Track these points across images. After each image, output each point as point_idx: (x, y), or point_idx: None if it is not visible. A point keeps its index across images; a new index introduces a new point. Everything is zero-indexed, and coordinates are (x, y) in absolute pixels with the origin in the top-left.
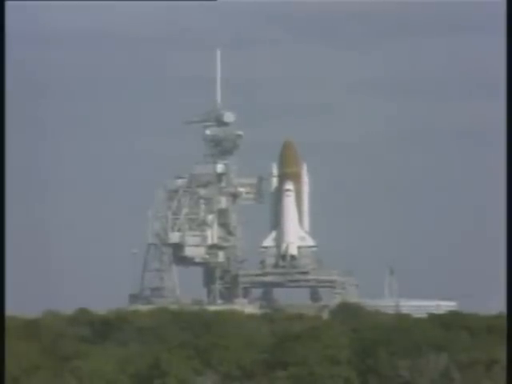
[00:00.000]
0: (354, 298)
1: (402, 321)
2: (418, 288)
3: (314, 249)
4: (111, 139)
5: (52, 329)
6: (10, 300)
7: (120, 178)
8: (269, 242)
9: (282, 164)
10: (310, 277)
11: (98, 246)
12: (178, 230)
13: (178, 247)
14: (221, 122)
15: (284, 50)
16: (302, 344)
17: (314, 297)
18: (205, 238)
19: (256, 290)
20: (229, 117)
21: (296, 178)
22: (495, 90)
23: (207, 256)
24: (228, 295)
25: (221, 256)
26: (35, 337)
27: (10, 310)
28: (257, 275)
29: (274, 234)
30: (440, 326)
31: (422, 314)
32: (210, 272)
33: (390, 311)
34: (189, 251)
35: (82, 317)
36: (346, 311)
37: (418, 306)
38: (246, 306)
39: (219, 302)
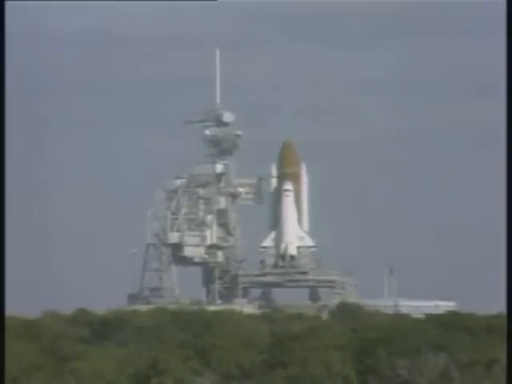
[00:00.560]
0: (353, 298)
1: (402, 321)
2: (417, 288)
3: (313, 249)
4: (111, 139)
5: (51, 329)
6: (10, 300)
7: (119, 178)
8: (268, 242)
9: (282, 164)
10: (309, 277)
11: (98, 247)
12: (178, 230)
13: (177, 247)
14: (220, 122)
15: (284, 50)
16: (301, 344)
17: (314, 297)
18: (204, 238)
19: (255, 290)
20: (228, 117)
21: (295, 178)
22: (495, 90)
23: (206, 256)
24: (227, 295)
25: (220, 256)
26: (35, 337)
27: (9, 310)
28: (256, 275)
29: (273, 234)
30: (439, 326)
31: (422, 314)
32: (209, 272)
33: (390, 311)
34: (188, 251)
35: (82, 317)
36: (346, 311)
37: (418, 306)
38: (246, 306)
39: (218, 302)
